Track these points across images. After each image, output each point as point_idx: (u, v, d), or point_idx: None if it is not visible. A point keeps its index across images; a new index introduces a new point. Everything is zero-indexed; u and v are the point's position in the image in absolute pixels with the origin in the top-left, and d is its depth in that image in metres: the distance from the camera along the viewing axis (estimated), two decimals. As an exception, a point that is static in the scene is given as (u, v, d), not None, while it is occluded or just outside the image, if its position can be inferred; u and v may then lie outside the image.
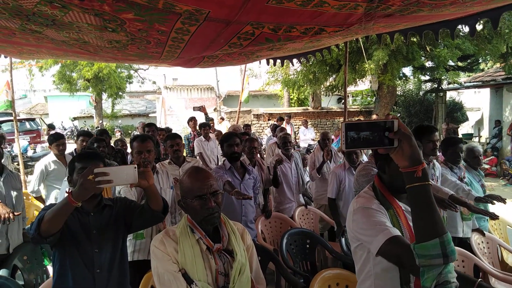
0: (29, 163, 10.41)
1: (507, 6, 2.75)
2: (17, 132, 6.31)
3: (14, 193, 3.14)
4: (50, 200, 4.19)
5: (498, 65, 12.19)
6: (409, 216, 1.59)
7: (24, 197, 4.86)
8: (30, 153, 11.48)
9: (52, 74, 19.21)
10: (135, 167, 1.58)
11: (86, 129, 11.76)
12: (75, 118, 26.03)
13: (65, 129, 21.03)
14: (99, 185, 1.50)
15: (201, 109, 7.86)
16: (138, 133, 8.29)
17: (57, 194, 4.09)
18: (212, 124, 7.57)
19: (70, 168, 1.97)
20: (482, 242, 3.34)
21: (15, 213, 3.01)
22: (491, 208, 3.31)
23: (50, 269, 3.21)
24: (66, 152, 4.39)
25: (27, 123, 15.21)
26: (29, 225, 3.62)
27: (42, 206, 4.91)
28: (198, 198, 1.59)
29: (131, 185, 1.61)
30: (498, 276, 2.89)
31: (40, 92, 29.52)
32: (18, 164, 8.16)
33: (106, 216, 1.95)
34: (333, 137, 9.59)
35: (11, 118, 8.25)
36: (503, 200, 2.90)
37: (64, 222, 1.67)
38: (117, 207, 2.01)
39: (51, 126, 14.11)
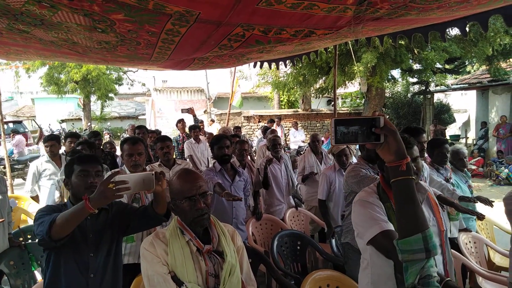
0: (16, 166, 10.23)
1: (494, 10, 2.81)
2: (4, 135, 6.19)
3: None
4: (42, 201, 4.15)
5: (484, 67, 12.44)
6: None
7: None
8: (16, 156, 11.27)
9: (39, 76, 18.93)
10: (153, 174, 1.61)
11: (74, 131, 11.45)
12: (63, 121, 25.67)
13: (52, 132, 20.70)
14: (118, 193, 1.51)
15: (189, 111, 7.79)
16: (128, 135, 8.21)
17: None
18: (202, 127, 7.54)
19: (67, 171, 1.95)
20: (470, 242, 3.39)
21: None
22: (478, 208, 3.38)
23: (37, 274, 3.16)
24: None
25: (14, 126, 14.95)
26: (15, 230, 3.57)
27: (30, 208, 4.84)
28: (187, 199, 1.59)
29: (148, 191, 1.64)
30: (485, 275, 2.94)
31: (27, 94, 29.05)
32: (4, 167, 8.01)
33: (102, 220, 1.94)
34: (323, 138, 9.66)
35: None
36: (490, 204, 2.94)
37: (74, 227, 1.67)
38: (113, 210, 2.00)
39: (15, 131, 13.75)
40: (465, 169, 3.62)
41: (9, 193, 5.31)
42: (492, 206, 2.93)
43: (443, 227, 1.78)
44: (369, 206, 1.63)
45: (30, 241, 3.56)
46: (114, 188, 1.50)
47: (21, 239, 3.46)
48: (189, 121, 7.97)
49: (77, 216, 1.60)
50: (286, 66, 5.95)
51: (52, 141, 4.29)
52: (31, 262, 3.17)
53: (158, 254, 1.55)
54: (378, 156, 1.75)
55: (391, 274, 1.56)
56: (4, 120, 6.29)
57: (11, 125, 14.86)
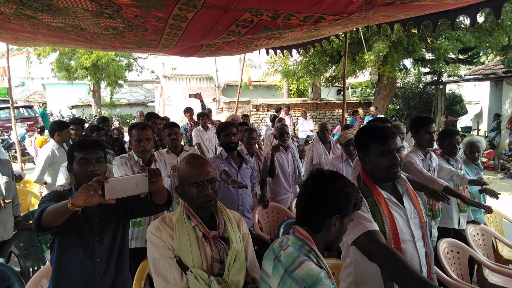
0: (27, 151, 10.38)
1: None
2: (15, 120, 6.27)
3: (3, 180, 3.08)
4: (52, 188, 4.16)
5: (498, 58, 12.13)
6: (390, 203, 1.63)
7: (22, 185, 4.86)
8: (27, 141, 11.43)
9: (50, 62, 19.06)
10: (146, 176, 1.51)
11: (78, 117, 11.14)
12: (73, 107, 25.91)
13: (63, 117, 20.92)
14: (110, 197, 1.43)
15: (197, 96, 7.81)
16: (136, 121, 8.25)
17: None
18: (209, 115, 7.56)
19: (69, 157, 1.91)
20: (478, 234, 3.36)
21: (6, 201, 2.98)
22: (488, 201, 3.33)
23: (47, 256, 3.22)
24: None
25: (24, 111, 15.14)
26: (25, 212, 3.63)
27: (39, 192, 4.91)
28: (195, 185, 1.59)
29: (142, 194, 1.53)
30: (492, 267, 2.92)
31: (38, 80, 29.30)
32: (15, 152, 8.13)
33: (107, 205, 1.91)
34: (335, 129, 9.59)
35: (9, 105, 8.21)
36: (496, 196, 2.89)
37: (63, 221, 1.60)
38: None
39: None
40: (478, 161, 3.56)
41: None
42: (498, 198, 2.88)
43: (423, 218, 1.76)
44: None
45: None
46: (99, 192, 1.41)
47: (30, 221, 3.52)
48: (197, 107, 7.98)
49: (61, 213, 1.54)
50: (299, 54, 5.87)
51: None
52: (40, 244, 3.23)
53: (164, 239, 1.56)
54: (359, 147, 1.76)
55: (376, 273, 1.55)
56: (15, 105, 6.37)
57: (22, 110, 15.03)
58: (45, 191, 4.46)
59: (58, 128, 4.12)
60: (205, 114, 6.85)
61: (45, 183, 4.21)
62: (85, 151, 1.85)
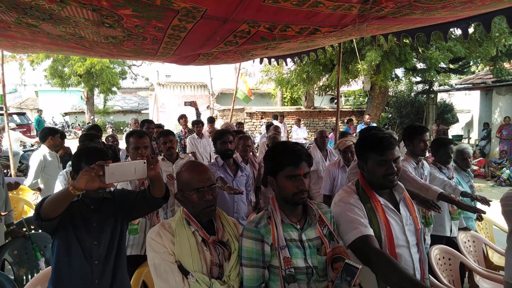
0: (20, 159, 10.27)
1: (498, 11, 2.81)
2: (8, 126, 6.22)
3: None
4: (45, 193, 4.15)
5: (488, 68, 12.39)
6: (387, 210, 1.68)
7: (15, 192, 4.82)
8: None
9: (43, 68, 18.98)
10: (144, 162, 1.60)
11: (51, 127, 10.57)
12: (66, 114, 25.74)
13: (56, 124, 20.80)
14: (110, 181, 1.50)
15: (192, 104, 7.89)
16: (132, 129, 8.24)
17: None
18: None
19: (75, 165, 1.95)
20: (469, 240, 3.42)
21: (2, 213, 2.96)
22: (478, 207, 3.39)
23: (41, 264, 3.21)
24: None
25: (17, 118, 15.02)
26: (19, 220, 3.61)
27: (31, 199, 4.87)
28: (196, 191, 1.63)
29: (141, 179, 1.61)
30: (483, 273, 2.97)
31: (31, 87, 29.08)
32: (8, 160, 8.05)
33: (106, 209, 1.97)
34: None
35: (2, 112, 8.14)
36: (487, 203, 2.95)
37: (63, 210, 1.67)
38: (116, 199, 2.03)
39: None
40: (468, 169, 3.62)
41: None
42: (489, 205, 2.94)
43: (418, 225, 1.80)
44: (349, 208, 1.65)
45: (33, 231, 3.60)
46: (100, 174, 1.49)
47: (24, 229, 3.50)
48: (192, 114, 8.03)
49: (62, 199, 1.61)
50: (294, 62, 5.95)
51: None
52: (34, 252, 3.21)
53: (165, 244, 1.59)
54: (358, 155, 1.83)
55: (371, 275, 1.59)
56: (8, 112, 6.32)
57: (15, 117, 14.92)
58: (39, 199, 4.43)
59: (50, 133, 4.26)
60: (200, 122, 6.88)
61: (39, 189, 4.21)
62: (92, 162, 1.88)
